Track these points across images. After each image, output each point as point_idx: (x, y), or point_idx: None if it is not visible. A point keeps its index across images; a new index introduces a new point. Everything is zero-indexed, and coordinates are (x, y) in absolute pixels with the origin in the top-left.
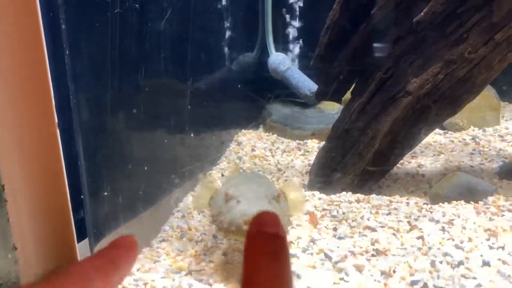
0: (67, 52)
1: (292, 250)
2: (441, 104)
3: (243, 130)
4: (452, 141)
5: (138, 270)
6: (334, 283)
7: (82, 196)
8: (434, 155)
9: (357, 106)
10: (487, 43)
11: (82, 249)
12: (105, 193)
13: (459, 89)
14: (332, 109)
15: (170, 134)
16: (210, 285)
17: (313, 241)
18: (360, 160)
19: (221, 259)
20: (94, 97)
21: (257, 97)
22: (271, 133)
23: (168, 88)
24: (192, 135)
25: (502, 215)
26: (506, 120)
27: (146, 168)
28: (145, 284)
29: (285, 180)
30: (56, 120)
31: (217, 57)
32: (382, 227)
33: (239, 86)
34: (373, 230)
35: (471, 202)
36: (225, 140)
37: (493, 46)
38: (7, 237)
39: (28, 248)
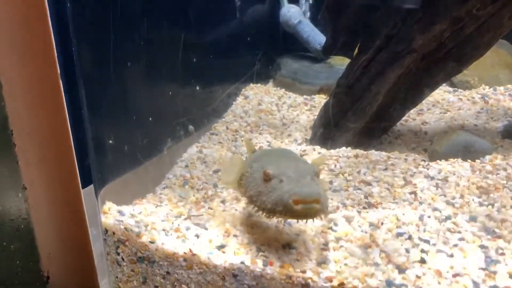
0: (69, 5)
1: None
2: (446, 62)
3: (251, 84)
4: (461, 99)
5: (140, 213)
6: (322, 231)
7: (87, 144)
8: (440, 113)
9: (362, 62)
10: (496, 0)
11: (87, 194)
12: (110, 142)
13: (465, 47)
14: (342, 64)
15: (175, 87)
16: (206, 229)
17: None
18: (363, 116)
19: (219, 206)
20: (97, 48)
21: (267, 50)
22: (279, 88)
23: (173, 40)
24: (197, 87)
25: (497, 174)
26: None
27: (150, 119)
28: (146, 225)
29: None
30: (59, 71)
31: (226, 9)
32: (377, 181)
33: (248, 39)
34: (368, 184)
35: (468, 160)
36: (232, 94)
37: (503, 2)
38: (17, 178)
39: (37, 189)
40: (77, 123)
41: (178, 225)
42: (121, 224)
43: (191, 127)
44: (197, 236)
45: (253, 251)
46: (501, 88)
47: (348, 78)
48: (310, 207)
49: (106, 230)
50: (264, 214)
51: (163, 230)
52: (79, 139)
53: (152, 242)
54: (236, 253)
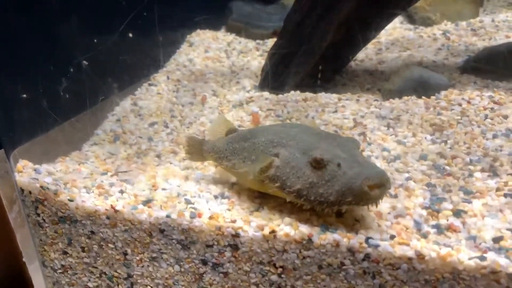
0: None
1: None
2: None
3: (197, 30)
4: (421, 37)
5: (60, 171)
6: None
7: None
8: (399, 51)
9: None
10: None
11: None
12: (24, 96)
13: None
14: None
15: (103, 33)
16: (132, 184)
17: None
18: (312, 56)
19: (154, 161)
20: None
21: None
22: (229, 33)
23: None
24: (130, 34)
25: (452, 109)
26: (486, 13)
27: (76, 70)
28: (65, 183)
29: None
30: None
31: None
32: (325, 124)
33: None
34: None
35: (423, 97)
36: (175, 41)
37: None
38: None
39: None
40: None
41: (102, 181)
42: (36, 183)
43: (115, 86)
44: (122, 192)
45: (182, 203)
46: (464, 23)
47: (296, 15)
48: (384, 190)
49: (22, 190)
50: (323, 207)
51: (85, 187)
52: None
53: (71, 200)
54: (163, 207)
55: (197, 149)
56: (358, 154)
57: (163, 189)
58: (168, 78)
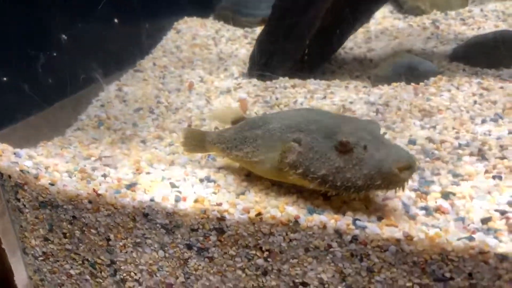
0: None
1: None
2: None
3: (185, 18)
4: (411, 26)
5: (41, 155)
6: None
7: None
8: (389, 40)
9: None
10: None
11: None
12: (5, 79)
13: None
14: None
15: (87, 18)
16: (116, 168)
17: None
18: (301, 43)
19: (139, 146)
20: None
21: None
22: (217, 21)
23: None
24: (116, 20)
25: (441, 95)
26: (475, 3)
27: (60, 55)
28: (47, 167)
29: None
30: None
31: None
32: None
33: None
34: None
35: (412, 83)
36: (162, 28)
37: None
38: None
39: None
40: None
41: (85, 166)
42: (16, 166)
43: (100, 71)
44: (104, 176)
45: (166, 186)
46: (453, 12)
47: (284, 2)
48: (412, 172)
49: (1, 174)
50: (350, 193)
51: (67, 171)
52: None
53: (52, 184)
54: (147, 191)
55: (197, 141)
56: (381, 136)
57: (147, 173)
58: (154, 64)
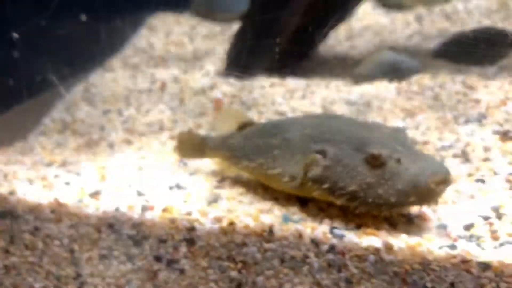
0: None
1: None
2: None
3: (159, 14)
4: (394, 22)
5: None
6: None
7: None
8: (372, 37)
9: None
10: None
11: None
12: None
13: None
14: None
15: (55, 18)
16: (78, 174)
17: (213, 129)
18: (279, 40)
19: (106, 151)
20: None
21: None
22: (193, 17)
23: None
24: (83, 17)
25: (424, 94)
26: (459, 0)
27: (20, 55)
28: (6, 175)
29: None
30: None
31: None
32: (293, 111)
33: None
34: (283, 114)
35: (394, 81)
36: (134, 25)
37: None
38: None
39: None
40: None
41: (46, 173)
42: None
43: (65, 72)
44: (68, 183)
45: (133, 195)
46: (437, 8)
47: None
48: (447, 186)
49: None
50: (382, 210)
51: (28, 179)
52: None
53: (11, 194)
54: (112, 199)
55: (194, 146)
56: (411, 146)
57: (113, 180)
58: (125, 63)
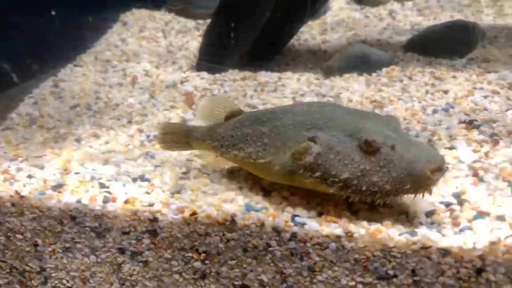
0: None
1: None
2: None
3: (132, 10)
4: (368, 17)
5: None
6: (187, 159)
7: None
8: (345, 31)
9: None
10: None
11: None
12: None
13: None
14: None
15: (25, 12)
16: (42, 168)
17: (184, 121)
18: (251, 34)
19: (73, 145)
20: None
21: None
22: (167, 13)
23: None
24: (53, 12)
25: (393, 86)
26: None
27: None
28: None
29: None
30: None
31: None
32: (264, 104)
33: None
34: (254, 107)
35: (364, 74)
36: (107, 21)
37: None
38: None
39: None
40: None
41: (9, 167)
42: None
43: (34, 67)
44: (30, 177)
45: (96, 187)
46: (410, 3)
47: None
48: (442, 174)
49: None
50: (376, 198)
51: None
52: None
53: None
54: (74, 192)
55: (179, 137)
56: (405, 133)
57: (76, 173)
58: (96, 58)
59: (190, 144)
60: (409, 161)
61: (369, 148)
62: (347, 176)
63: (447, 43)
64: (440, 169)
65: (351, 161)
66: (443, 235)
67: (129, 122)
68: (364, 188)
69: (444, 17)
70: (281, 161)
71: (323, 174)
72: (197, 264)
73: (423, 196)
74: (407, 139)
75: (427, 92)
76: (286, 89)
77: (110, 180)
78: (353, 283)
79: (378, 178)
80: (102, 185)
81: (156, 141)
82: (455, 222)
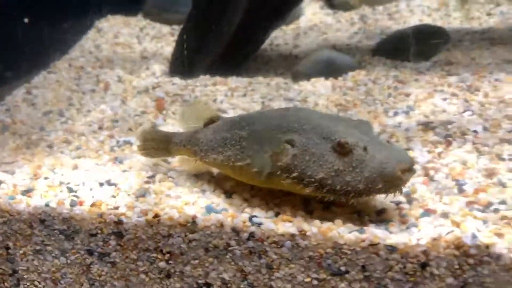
0: None
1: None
2: None
3: (108, 16)
4: (340, 21)
5: None
6: (154, 164)
7: None
8: (317, 36)
9: None
10: None
11: None
12: None
13: None
14: None
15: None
16: (13, 173)
17: (154, 126)
18: (222, 40)
19: (44, 151)
20: None
21: None
22: (143, 19)
23: None
24: (26, 20)
25: (357, 90)
26: None
27: None
28: None
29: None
30: None
31: None
32: (233, 108)
33: None
34: (224, 112)
35: (330, 78)
36: (81, 27)
37: None
38: None
39: None
40: None
41: None
42: None
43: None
44: (0, 182)
45: (64, 192)
46: (380, 7)
47: None
48: (412, 175)
49: None
50: (350, 198)
51: None
52: None
53: None
54: (43, 196)
55: (159, 143)
56: (376, 136)
57: (46, 178)
58: (70, 65)
59: (169, 150)
60: (381, 161)
61: (342, 149)
62: (322, 176)
63: (413, 47)
64: (410, 169)
65: (326, 162)
66: (391, 232)
67: (100, 128)
68: (338, 187)
69: (414, 21)
70: (259, 164)
71: (299, 174)
72: (162, 264)
73: (394, 195)
74: (378, 141)
75: (389, 95)
76: (255, 94)
77: (78, 185)
78: (308, 279)
79: (351, 178)
80: (70, 190)
81: (137, 149)
82: (403, 220)
